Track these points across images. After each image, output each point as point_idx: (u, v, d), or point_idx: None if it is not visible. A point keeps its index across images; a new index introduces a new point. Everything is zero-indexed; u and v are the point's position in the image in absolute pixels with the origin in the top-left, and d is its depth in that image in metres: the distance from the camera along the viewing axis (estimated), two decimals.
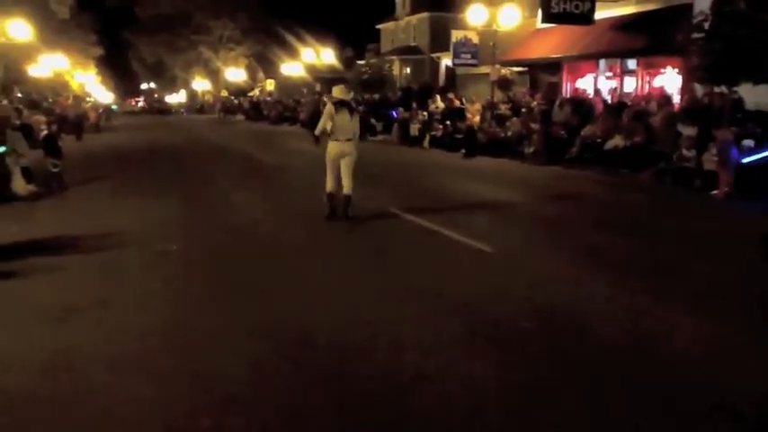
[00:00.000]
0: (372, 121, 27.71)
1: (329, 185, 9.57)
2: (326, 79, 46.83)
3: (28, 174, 12.17)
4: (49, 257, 7.48)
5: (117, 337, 5.01)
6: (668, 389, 4.11)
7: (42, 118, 22.45)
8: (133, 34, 65.93)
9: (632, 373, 4.36)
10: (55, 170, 12.76)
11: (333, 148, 9.49)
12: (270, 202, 11.49)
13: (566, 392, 4.08)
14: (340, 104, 9.52)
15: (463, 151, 18.94)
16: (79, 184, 13.22)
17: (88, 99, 48.43)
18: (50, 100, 34.52)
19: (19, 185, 11.80)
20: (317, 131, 9.77)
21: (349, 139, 9.45)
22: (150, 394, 4.07)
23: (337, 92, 9.83)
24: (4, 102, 24.38)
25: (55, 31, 36.90)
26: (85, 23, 48.39)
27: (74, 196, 12.25)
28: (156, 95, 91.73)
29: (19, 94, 31.15)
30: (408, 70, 40.76)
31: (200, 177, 15.05)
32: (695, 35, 13.11)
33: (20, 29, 25.53)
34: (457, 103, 23.56)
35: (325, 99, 13.12)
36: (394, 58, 40.87)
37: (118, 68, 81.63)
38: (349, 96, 10.10)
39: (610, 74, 21.52)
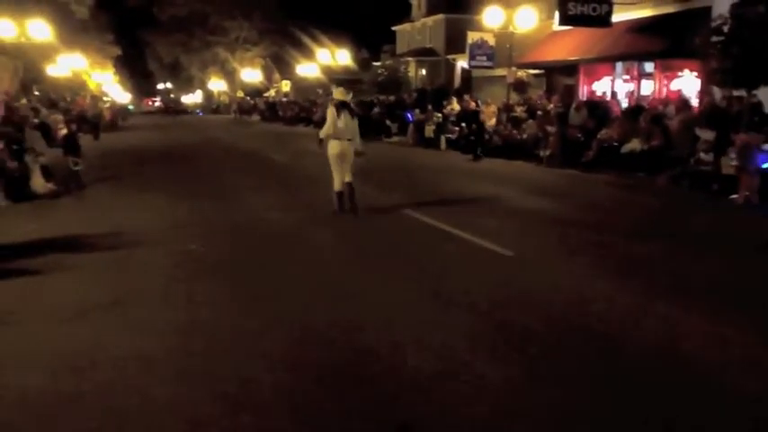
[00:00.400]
0: (387, 122, 27.74)
1: (337, 185, 9.93)
2: (342, 80, 46.90)
3: (47, 172, 12.31)
4: (68, 255, 7.56)
5: (137, 335, 5.05)
6: (700, 405, 4.02)
7: (60, 117, 22.67)
8: (151, 34, 66.39)
9: (659, 381, 4.33)
10: (75, 168, 12.88)
11: (334, 147, 9.83)
12: (286, 202, 11.52)
13: (588, 402, 4.07)
14: (341, 106, 9.92)
15: (476, 154, 18.89)
16: (97, 183, 13.34)
17: (105, 99, 48.79)
18: (68, 99, 34.80)
19: (38, 184, 11.93)
20: (322, 134, 10.06)
21: (349, 140, 9.85)
22: (169, 394, 4.09)
23: (338, 94, 10.32)
24: (23, 101, 24.63)
25: (73, 31, 37.19)
26: (104, 23, 48.76)
27: (92, 195, 12.36)
28: (172, 95, 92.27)
29: (36, 93, 31.43)
30: (424, 72, 40.76)
31: (216, 177, 15.13)
32: (714, 38, 12.99)
33: (39, 29, 25.75)
34: (473, 105, 23.50)
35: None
36: (409, 59, 40.90)
37: (135, 68, 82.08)
38: (349, 97, 10.55)
39: (627, 77, 21.39)
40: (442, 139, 22.58)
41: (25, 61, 31.72)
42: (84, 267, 7.06)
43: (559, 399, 4.03)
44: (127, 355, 4.66)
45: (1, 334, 5.11)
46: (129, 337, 5.04)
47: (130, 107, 65.00)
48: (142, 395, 4.06)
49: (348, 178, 9.91)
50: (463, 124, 21.98)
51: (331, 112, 9.88)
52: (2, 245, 7.56)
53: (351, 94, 11.10)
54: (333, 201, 9.99)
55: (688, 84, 18.40)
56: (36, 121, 21.64)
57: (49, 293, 6.13)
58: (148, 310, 5.68)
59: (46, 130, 21.70)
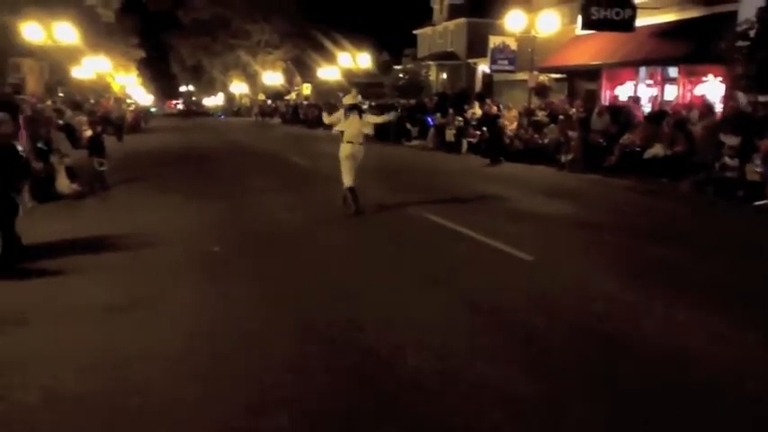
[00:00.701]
0: (408, 126, 27.73)
1: (347, 181, 10.50)
2: (363, 84, 47.02)
3: (72, 173, 12.45)
4: (92, 256, 7.64)
5: (160, 336, 5.10)
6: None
7: (84, 118, 22.92)
8: (174, 37, 67.04)
9: (677, 394, 4.29)
10: (101, 169, 13.02)
11: (345, 149, 10.54)
12: (304, 203, 11.55)
13: (606, 411, 4.04)
14: (351, 108, 10.69)
15: (494, 158, 18.82)
16: (121, 184, 13.48)
17: (129, 101, 49.30)
18: (92, 101, 35.22)
19: (63, 184, 12.08)
20: (326, 120, 11.72)
21: (360, 144, 10.60)
22: (194, 394, 4.12)
23: (347, 99, 11.10)
24: (48, 102, 24.97)
25: (99, 34, 37.68)
26: (129, 26, 49.35)
27: (115, 196, 12.49)
28: (193, 98, 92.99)
29: (61, 95, 31.83)
30: (445, 76, 40.71)
31: (236, 179, 15.22)
32: (739, 43, 12.88)
33: (66, 32, 26.10)
34: (494, 109, 23.44)
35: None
36: (431, 63, 40.87)
37: (158, 71, 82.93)
38: (358, 100, 11.43)
39: (650, 81, 21.22)
40: (463, 142, 22.54)
41: (51, 63, 32.16)
42: (107, 268, 7.14)
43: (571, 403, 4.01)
44: (151, 355, 4.70)
45: (22, 334, 5.17)
46: (152, 336, 5.08)
47: (153, 109, 65.63)
48: (167, 395, 4.10)
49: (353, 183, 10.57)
50: (484, 128, 21.93)
51: (340, 113, 10.95)
52: (27, 245, 7.65)
53: (359, 97, 12.07)
54: (346, 197, 10.50)
55: (712, 89, 18.20)
56: (60, 122, 21.95)
57: (70, 294, 6.19)
58: (172, 310, 5.73)
59: (71, 132, 21.99)
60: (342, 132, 10.66)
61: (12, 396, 4.08)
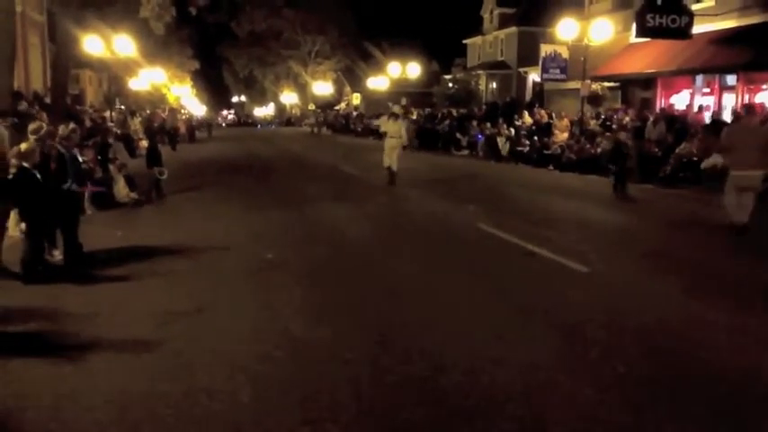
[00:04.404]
0: (457, 135, 27.66)
1: (386, 162, 15.52)
2: (413, 93, 47.12)
3: (130, 182, 12.79)
4: (151, 262, 7.85)
5: (217, 342, 5.20)
6: None
7: (138, 123, 23.57)
8: (228, 49, 68.34)
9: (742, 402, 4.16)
10: (162, 177, 13.32)
11: (387, 142, 15.73)
12: (357, 213, 11.61)
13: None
14: (392, 116, 16.59)
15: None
16: (177, 193, 13.77)
17: (183, 111, 50.43)
18: (148, 111, 36.16)
19: (122, 193, 12.42)
20: (375, 122, 18.23)
21: (398, 137, 15.77)
22: (246, 400, 4.19)
23: (395, 109, 17.92)
24: (109, 112, 25.75)
25: (155, 46, 38.66)
26: (184, 38, 50.49)
27: (172, 204, 12.77)
28: (244, 109, 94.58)
29: (120, 107, 32.78)
30: (494, 85, 40.50)
31: (288, 188, 15.39)
32: None
33: (124, 44, 26.84)
34: (545, 118, 23.22)
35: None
36: (480, 72, 40.72)
37: (211, 81, 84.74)
38: (399, 110, 18.94)
39: (707, 90, 20.73)
40: (512, 152, 22.35)
41: (109, 75, 33.14)
42: (167, 275, 7.31)
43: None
44: (208, 362, 4.79)
45: (91, 337, 5.34)
46: (210, 342, 5.19)
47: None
48: (222, 400, 4.18)
49: (394, 166, 15.37)
50: (536, 138, 21.75)
51: (385, 118, 17.05)
52: (90, 251, 7.90)
53: (403, 109, 18.73)
54: (384, 174, 15.36)
55: None
56: (118, 132, 22.62)
57: (135, 299, 6.37)
58: (228, 317, 5.84)
59: (128, 141, 22.67)
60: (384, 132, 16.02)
61: (85, 396, 4.20)
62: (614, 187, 14.18)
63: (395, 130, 15.60)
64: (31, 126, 7.83)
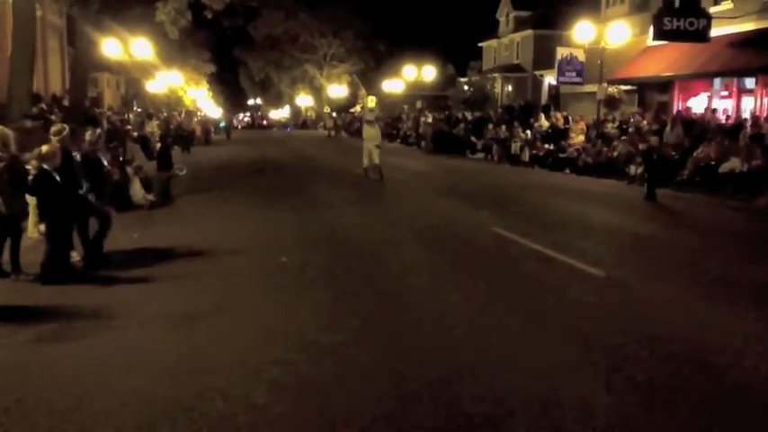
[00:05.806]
0: (472, 138, 27.61)
1: (365, 163, 17.58)
2: (428, 96, 47.08)
3: (147, 184, 12.87)
4: (168, 264, 7.92)
5: (234, 344, 5.22)
6: None
7: (156, 125, 23.72)
8: (245, 52, 68.61)
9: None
10: (181, 173, 13.42)
11: (365, 145, 17.77)
12: (371, 216, 11.62)
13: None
14: (368, 122, 18.87)
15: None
16: (192, 195, 13.84)
17: (199, 114, 50.70)
18: (164, 114, 36.44)
19: (138, 194, 12.49)
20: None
21: (375, 139, 17.83)
22: (261, 402, 4.20)
23: (369, 116, 18.78)
24: (127, 115, 25.98)
25: (172, 49, 38.90)
26: (201, 41, 50.74)
27: (187, 206, 12.84)
28: (260, 112, 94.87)
29: (137, 109, 33.05)
30: (510, 88, 40.37)
31: (303, 190, 15.41)
32: None
33: (142, 47, 27.06)
34: (561, 121, 23.13)
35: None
36: (496, 75, 40.61)
37: (227, 84, 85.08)
38: (374, 117, 20.57)
39: (725, 93, 20.56)
40: (528, 155, 22.29)
41: (127, 77, 33.43)
42: (183, 276, 7.35)
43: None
44: (225, 364, 4.80)
45: (108, 338, 5.37)
46: (226, 345, 5.20)
47: (222, 123, 67.33)
48: (239, 403, 4.18)
49: (376, 160, 17.37)
50: (552, 141, 21.68)
51: (366, 126, 18.93)
52: (109, 252, 7.97)
53: (374, 114, 20.21)
54: (374, 175, 16.96)
55: None
56: (136, 134, 22.80)
57: (152, 300, 6.41)
58: (245, 319, 5.85)
59: (145, 143, 22.83)
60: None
61: (101, 397, 4.24)
62: (647, 195, 13.91)
63: (373, 135, 18.00)
64: (53, 128, 7.91)
